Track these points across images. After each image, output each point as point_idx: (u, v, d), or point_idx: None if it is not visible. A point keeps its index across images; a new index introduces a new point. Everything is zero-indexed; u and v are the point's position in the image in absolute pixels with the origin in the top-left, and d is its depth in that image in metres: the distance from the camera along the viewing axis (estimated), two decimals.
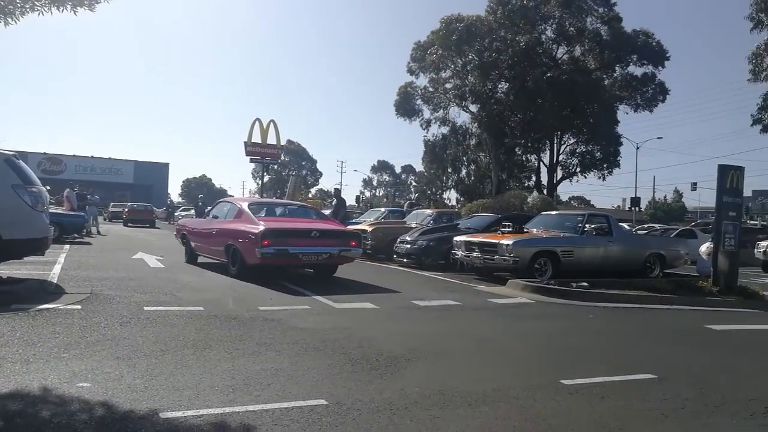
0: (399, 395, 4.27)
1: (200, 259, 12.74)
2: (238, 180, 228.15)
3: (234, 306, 7.63)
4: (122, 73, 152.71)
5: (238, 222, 11.04)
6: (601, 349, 6.49)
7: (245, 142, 33.46)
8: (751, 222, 31.84)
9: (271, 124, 34.14)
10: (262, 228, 10.05)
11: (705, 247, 12.34)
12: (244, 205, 11.73)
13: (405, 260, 14.50)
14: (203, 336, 5.86)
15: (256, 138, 33.61)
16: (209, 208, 16.40)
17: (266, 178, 62.52)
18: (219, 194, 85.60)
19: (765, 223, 37.53)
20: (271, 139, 35.34)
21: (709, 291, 10.25)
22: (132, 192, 63.49)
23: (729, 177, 10.59)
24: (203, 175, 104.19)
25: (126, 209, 38.66)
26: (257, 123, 33.64)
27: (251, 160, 35.91)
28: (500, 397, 4.39)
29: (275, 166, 68.66)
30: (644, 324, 8.18)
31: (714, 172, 10.65)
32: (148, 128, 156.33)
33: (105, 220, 36.83)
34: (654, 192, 69.25)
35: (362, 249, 11.84)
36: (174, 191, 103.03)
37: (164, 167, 75.55)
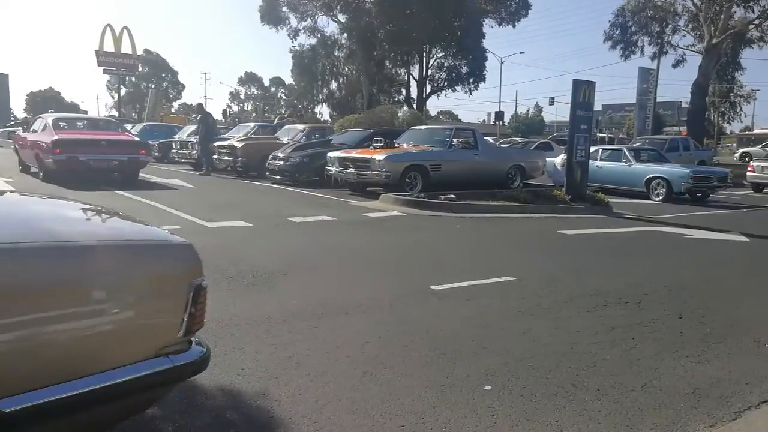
0: (277, 309, 4.31)
1: (62, 181, 11.57)
2: (92, 94, 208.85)
3: None
4: None
5: (42, 134, 12.72)
6: (467, 256, 6.91)
7: (96, 51, 30.47)
8: (600, 135, 34.84)
9: (125, 31, 31.34)
10: (54, 138, 11.87)
11: (560, 159, 13.28)
12: (49, 120, 13.33)
13: (278, 177, 14.26)
14: None
15: (109, 47, 30.71)
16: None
17: (123, 92, 57.65)
18: (70, 109, 77.67)
19: (612, 135, 41.12)
20: (126, 49, 32.47)
21: (562, 199, 11.18)
22: None
23: (582, 92, 11.36)
24: (50, 88, 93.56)
25: None
26: (108, 30, 30.67)
27: (105, 72, 33.04)
28: (375, 304, 4.58)
29: (132, 78, 63.42)
30: (506, 231, 8.80)
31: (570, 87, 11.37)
32: None
33: None
34: (516, 106, 73.14)
35: (150, 158, 14.10)
36: (18, 106, 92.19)
37: (3, 79, 66.98)
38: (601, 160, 14.93)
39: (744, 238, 8.82)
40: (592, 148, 14.73)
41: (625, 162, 14.69)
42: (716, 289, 5.77)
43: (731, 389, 3.33)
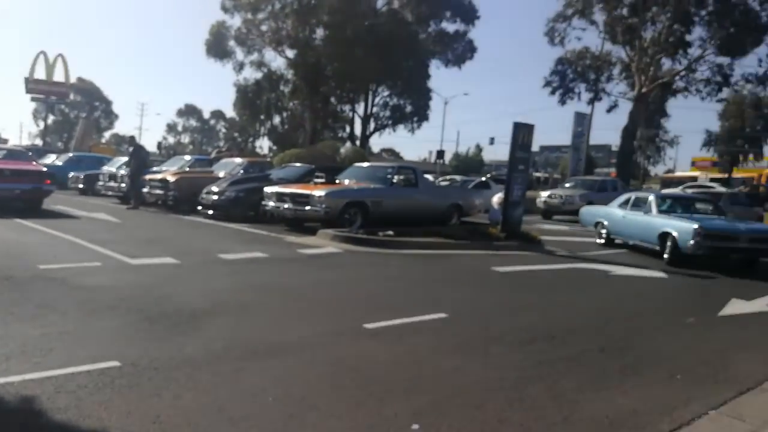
0: (201, 351, 4.16)
1: None
2: (15, 122, 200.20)
3: (8, 264, 6.73)
4: None
5: None
6: (402, 293, 6.92)
7: (26, 78, 29.51)
8: (536, 174, 36.25)
9: (59, 59, 30.47)
10: None
11: (497, 197, 13.50)
12: None
13: (211, 212, 13.94)
14: None
15: (40, 74, 29.81)
16: None
17: (50, 120, 55.67)
18: None
19: (547, 175, 42.73)
20: (59, 77, 31.54)
21: (497, 237, 11.40)
22: None
23: (521, 134, 11.76)
24: None
25: None
26: (42, 57, 29.81)
27: (32, 99, 31.90)
28: (305, 345, 4.49)
29: (62, 107, 61.30)
30: (440, 268, 8.87)
31: (509, 129, 11.76)
32: None
33: None
34: (458, 145, 74.84)
35: (54, 188, 13.78)
36: None
37: None
38: (630, 208, 12.14)
39: (663, 275, 9.24)
40: (624, 195, 13.28)
41: (645, 212, 11.52)
42: (636, 323, 6.01)
43: (645, 419, 3.48)
